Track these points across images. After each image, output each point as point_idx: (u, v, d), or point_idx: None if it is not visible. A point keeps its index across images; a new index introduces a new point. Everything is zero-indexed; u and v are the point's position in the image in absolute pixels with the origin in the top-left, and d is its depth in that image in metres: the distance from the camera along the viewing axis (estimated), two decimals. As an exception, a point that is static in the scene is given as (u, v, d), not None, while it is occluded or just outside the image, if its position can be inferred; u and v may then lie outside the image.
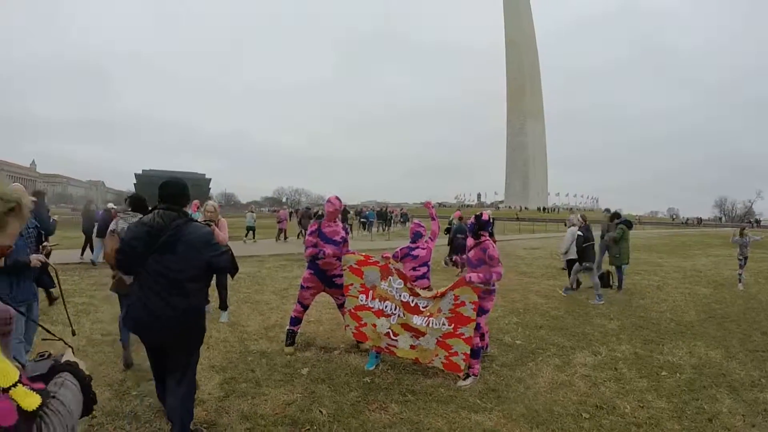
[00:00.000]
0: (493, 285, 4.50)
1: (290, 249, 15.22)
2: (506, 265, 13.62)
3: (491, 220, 4.64)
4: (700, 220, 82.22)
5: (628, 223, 9.82)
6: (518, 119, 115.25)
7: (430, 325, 4.39)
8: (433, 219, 5.59)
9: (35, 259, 3.67)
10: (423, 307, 4.47)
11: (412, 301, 4.52)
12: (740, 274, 10.13)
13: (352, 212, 29.99)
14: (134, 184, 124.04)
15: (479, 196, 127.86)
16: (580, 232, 8.88)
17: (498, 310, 7.49)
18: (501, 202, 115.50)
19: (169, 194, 3.06)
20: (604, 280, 9.79)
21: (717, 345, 5.69)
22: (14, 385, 1.00)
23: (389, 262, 4.79)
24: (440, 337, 4.36)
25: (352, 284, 4.77)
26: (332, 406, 3.84)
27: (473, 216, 4.69)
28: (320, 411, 3.74)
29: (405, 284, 4.59)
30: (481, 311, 4.49)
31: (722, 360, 5.15)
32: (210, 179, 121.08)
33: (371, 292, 4.67)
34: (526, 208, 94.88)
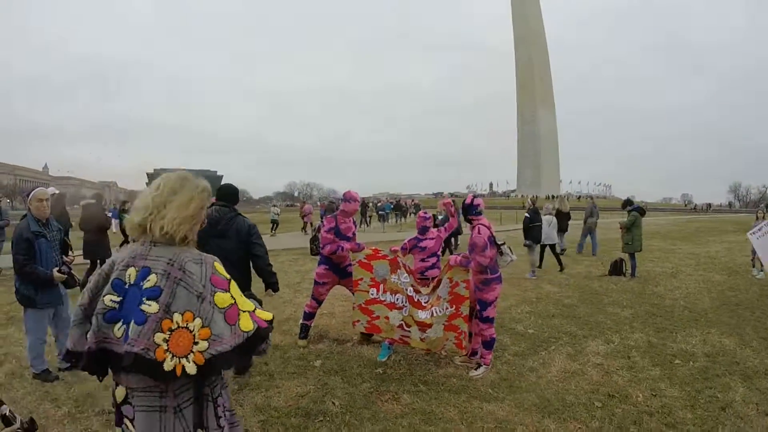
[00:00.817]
0: (493, 274, 4.40)
1: (304, 243, 15.23)
2: (517, 254, 13.60)
3: (474, 203, 4.49)
4: (708, 206, 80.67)
5: (641, 210, 9.70)
6: (529, 109, 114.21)
7: (434, 314, 4.41)
8: (452, 216, 5.59)
9: (58, 276, 4.00)
10: (425, 303, 4.49)
11: (416, 297, 4.53)
12: (753, 260, 9.95)
13: (371, 205, 30.52)
14: (146, 183, 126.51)
15: (491, 185, 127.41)
16: (527, 214, 9.84)
17: (510, 299, 7.49)
18: (513, 191, 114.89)
19: (224, 194, 4.15)
20: (617, 267, 9.73)
21: (731, 332, 5.63)
22: (255, 309, 1.70)
23: (398, 256, 4.78)
24: (446, 321, 4.40)
25: (361, 279, 4.75)
26: (345, 397, 3.89)
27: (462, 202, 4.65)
28: (333, 402, 3.78)
29: (411, 279, 4.63)
30: (484, 304, 4.46)
31: (736, 348, 5.10)
32: (222, 176, 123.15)
33: (382, 285, 4.66)
34: (536, 196, 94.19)
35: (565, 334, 5.63)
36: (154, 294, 1.58)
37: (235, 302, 1.66)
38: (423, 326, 4.43)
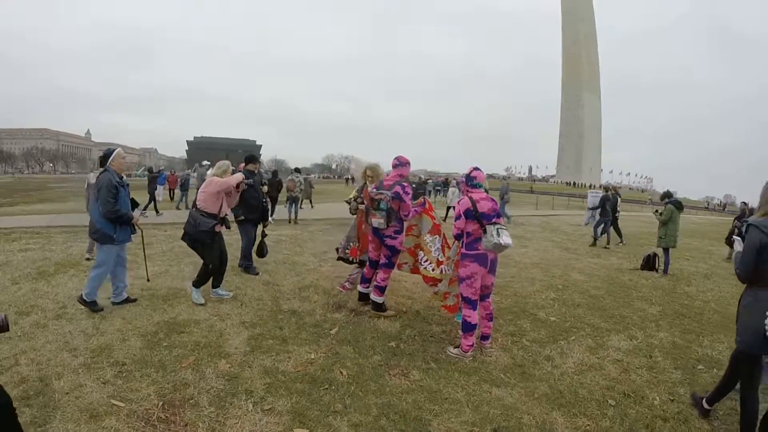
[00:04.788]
0: (468, 249, 4.27)
1: (339, 213, 15.11)
2: (551, 240, 13.38)
3: (471, 174, 4.50)
4: (724, 206, 78.51)
5: (678, 204, 9.18)
6: (574, 91, 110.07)
7: (443, 272, 4.97)
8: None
9: (136, 217, 5.01)
10: (440, 260, 5.09)
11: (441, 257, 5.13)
12: None
13: (430, 182, 33.35)
14: (186, 150, 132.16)
15: (530, 169, 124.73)
16: (413, 184, 10.37)
17: (536, 284, 7.36)
18: (552, 176, 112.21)
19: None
20: (650, 262, 9.38)
21: (764, 341, 5.33)
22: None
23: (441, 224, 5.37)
24: (449, 280, 4.87)
25: (415, 225, 5.29)
26: (354, 367, 3.90)
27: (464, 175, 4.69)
28: (341, 371, 3.80)
29: (441, 246, 5.20)
30: (459, 279, 4.38)
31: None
32: (261, 145, 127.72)
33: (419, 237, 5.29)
34: (553, 180, 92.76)
35: (588, 325, 5.47)
36: None
37: None
38: (434, 282, 5.10)
